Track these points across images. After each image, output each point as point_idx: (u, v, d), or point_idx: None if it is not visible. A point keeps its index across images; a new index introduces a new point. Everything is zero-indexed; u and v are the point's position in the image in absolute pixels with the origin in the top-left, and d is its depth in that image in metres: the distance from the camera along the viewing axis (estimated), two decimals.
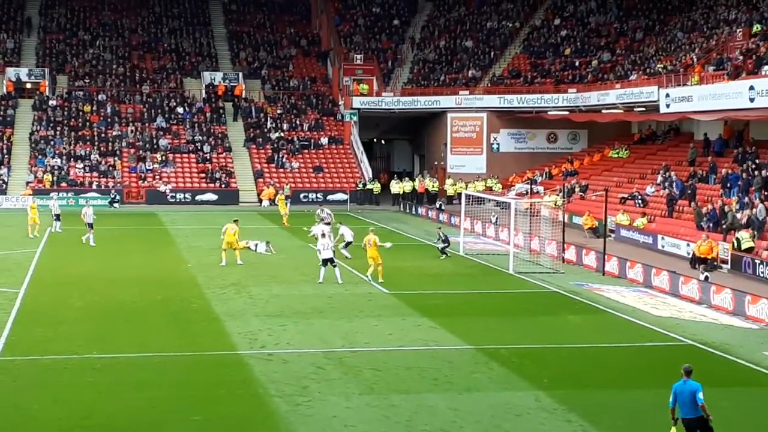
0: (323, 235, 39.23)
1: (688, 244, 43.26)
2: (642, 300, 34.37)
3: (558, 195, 59.24)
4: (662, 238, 46.87)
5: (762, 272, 38.10)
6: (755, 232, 41.35)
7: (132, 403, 21.02)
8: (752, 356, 25.47)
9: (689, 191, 50.19)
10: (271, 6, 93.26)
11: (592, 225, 50.32)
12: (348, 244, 43.10)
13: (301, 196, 70.74)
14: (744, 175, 48.62)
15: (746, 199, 45.22)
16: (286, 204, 58.37)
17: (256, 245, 44.69)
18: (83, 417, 19.94)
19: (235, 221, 42.19)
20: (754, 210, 43.22)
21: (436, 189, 69.16)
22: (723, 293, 32.85)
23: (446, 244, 44.44)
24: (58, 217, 52.42)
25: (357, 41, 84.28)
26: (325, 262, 36.60)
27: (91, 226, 47.55)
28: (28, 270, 39.18)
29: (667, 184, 53.44)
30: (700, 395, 16.79)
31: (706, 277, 36.42)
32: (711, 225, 44.08)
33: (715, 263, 40.32)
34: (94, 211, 49.75)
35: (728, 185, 48.59)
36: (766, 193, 45.09)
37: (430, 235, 52.44)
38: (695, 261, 40.56)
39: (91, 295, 33.61)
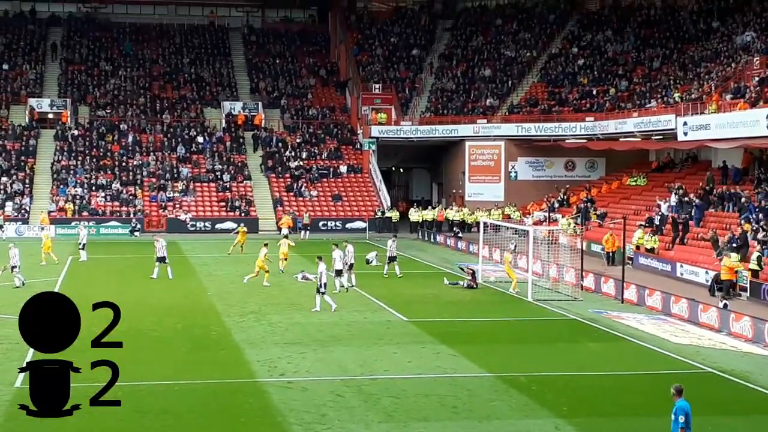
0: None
1: (706, 272, 43.03)
2: (661, 327, 34.16)
3: (572, 219, 59.21)
4: (681, 266, 46.64)
5: None
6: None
7: (153, 431, 20.94)
8: None
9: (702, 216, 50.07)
10: (290, 36, 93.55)
11: (613, 248, 49.92)
12: (351, 266, 42.87)
13: (320, 224, 70.67)
14: (763, 202, 48.44)
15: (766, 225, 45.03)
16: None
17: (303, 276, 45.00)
18: None
19: (265, 245, 42.64)
20: None
21: (461, 218, 68.84)
22: (742, 321, 32.63)
23: (474, 285, 43.78)
24: (83, 247, 52.00)
25: (375, 71, 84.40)
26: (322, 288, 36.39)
27: (163, 259, 46.47)
28: None
29: (681, 209, 53.34)
30: (681, 418, 17.23)
31: (725, 305, 36.15)
32: (736, 250, 43.80)
33: (733, 291, 40.06)
34: (112, 240, 49.64)
35: (746, 213, 48.35)
36: None
37: (446, 262, 52.32)
38: (714, 288, 40.34)
39: (108, 320, 33.56)
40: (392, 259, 47.32)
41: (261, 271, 43.00)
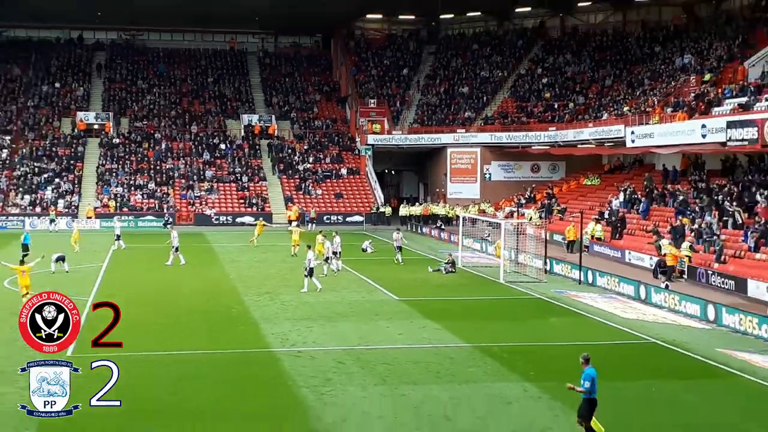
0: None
1: (650, 258, 43.10)
2: (612, 305, 34.21)
3: (536, 211, 59.30)
4: (629, 253, 46.70)
5: (713, 281, 37.93)
6: (702, 244, 41.30)
7: (182, 393, 20.96)
8: (707, 352, 25.38)
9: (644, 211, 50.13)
10: (299, 59, 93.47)
11: (573, 238, 49.94)
12: (334, 253, 42.60)
13: (324, 218, 70.73)
14: (698, 196, 48.56)
15: (699, 219, 45.12)
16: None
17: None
18: (143, 403, 19.88)
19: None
20: (703, 224, 43.22)
21: (445, 213, 68.71)
22: (681, 299, 32.73)
23: (453, 270, 43.87)
24: (119, 237, 51.97)
25: (370, 88, 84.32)
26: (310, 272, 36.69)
27: (177, 249, 46.26)
28: (96, 282, 39.19)
29: (629, 205, 53.49)
30: (586, 383, 17.06)
31: (667, 285, 36.25)
32: (674, 240, 43.89)
33: (674, 274, 40.13)
34: (147, 232, 49.49)
35: (683, 207, 48.45)
36: (716, 212, 44.92)
37: (432, 250, 52.34)
38: (657, 271, 40.41)
39: (147, 303, 33.55)
40: (399, 248, 47.36)
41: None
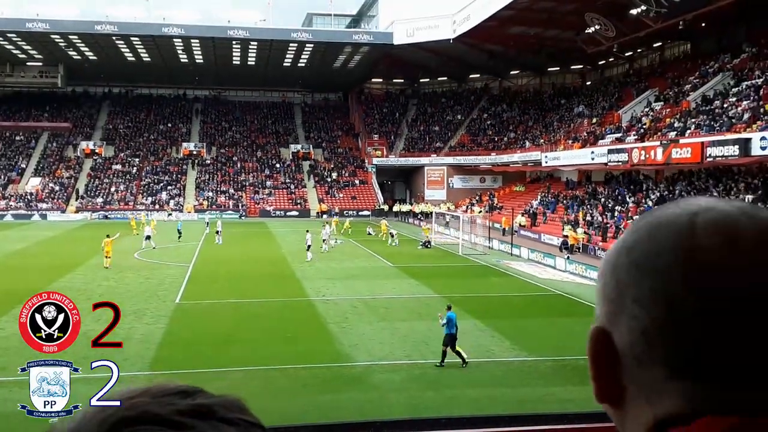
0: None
1: (558, 238, 43.20)
2: (533, 269, 34.33)
3: (483, 208, 59.30)
4: (544, 235, 46.78)
5: (599, 254, 38.03)
6: (590, 230, 41.37)
7: (250, 326, 21.06)
8: (593, 299, 25.38)
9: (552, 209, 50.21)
10: (328, 108, 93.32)
11: (507, 225, 49.94)
12: (324, 240, 41.03)
13: (344, 212, 70.48)
14: (588, 198, 48.58)
15: (591, 211, 45.18)
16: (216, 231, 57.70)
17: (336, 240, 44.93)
18: (224, 334, 19.96)
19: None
20: (595, 217, 43.31)
21: (424, 210, 68.34)
22: (578, 266, 32.82)
23: (428, 245, 43.98)
24: (218, 233, 45.71)
25: (374, 127, 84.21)
26: (309, 247, 36.38)
27: (219, 232, 45.44)
28: (194, 254, 39.29)
29: (543, 204, 53.54)
30: (443, 320, 17.03)
31: (568, 257, 36.32)
32: (573, 227, 44.01)
33: (574, 249, 40.21)
34: (228, 221, 48.93)
35: (577, 205, 48.52)
36: (601, 208, 44.99)
37: (416, 234, 52.51)
38: (562, 247, 40.48)
39: (229, 267, 33.67)
40: (392, 234, 46.89)
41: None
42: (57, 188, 71.84)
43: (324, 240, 40.86)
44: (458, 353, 16.83)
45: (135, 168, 76.71)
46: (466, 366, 16.66)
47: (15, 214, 66.13)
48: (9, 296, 22.41)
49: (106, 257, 32.46)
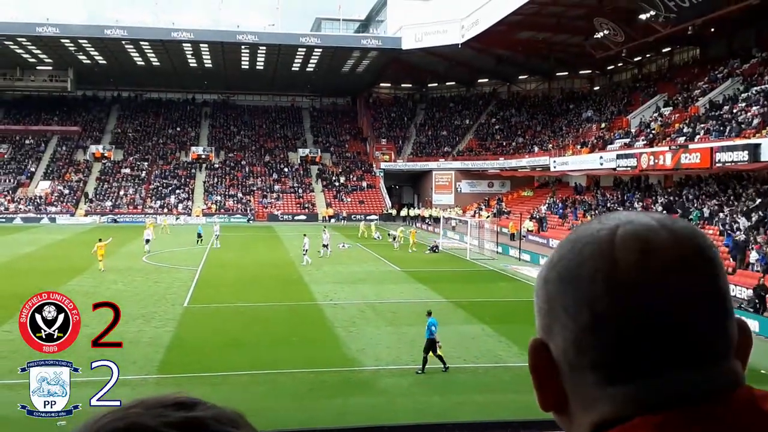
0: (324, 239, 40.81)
1: None
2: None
3: (490, 214, 59.24)
4: (552, 240, 46.65)
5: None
6: None
7: (258, 330, 21.06)
8: None
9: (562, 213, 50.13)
10: (336, 113, 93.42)
11: (515, 230, 49.81)
12: (325, 245, 40.55)
13: (352, 216, 70.65)
14: (597, 204, 48.47)
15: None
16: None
17: (343, 245, 45.05)
18: (231, 338, 19.97)
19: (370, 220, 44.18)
20: None
21: (434, 215, 68.45)
22: None
23: (436, 250, 43.90)
24: (217, 237, 46.73)
25: (382, 132, 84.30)
26: (306, 251, 36.51)
27: (217, 237, 45.76)
28: (202, 258, 39.37)
29: (553, 209, 53.42)
30: (433, 328, 16.92)
31: None
32: None
33: None
34: (236, 225, 49.20)
35: (584, 210, 48.42)
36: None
37: (424, 239, 52.44)
38: None
39: (236, 271, 33.72)
40: (394, 237, 47.02)
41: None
42: (66, 192, 72.15)
43: (324, 245, 40.34)
44: (439, 357, 16.83)
45: (144, 172, 76.96)
46: (445, 371, 16.64)
47: (24, 218, 66.45)
48: (17, 299, 22.46)
49: (101, 261, 32.82)
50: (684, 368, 0.86)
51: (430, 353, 16.79)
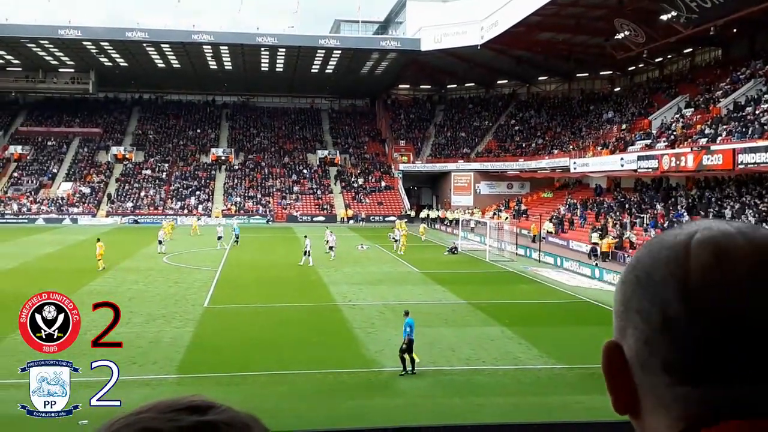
0: (326, 241, 40.80)
1: (586, 245, 42.81)
2: (561, 276, 34.05)
3: (509, 214, 59.03)
4: (572, 242, 46.42)
5: (628, 261, 37.53)
6: (619, 236, 40.92)
7: (277, 331, 21.12)
8: None
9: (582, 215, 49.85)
10: (354, 114, 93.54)
11: (536, 232, 49.59)
12: (331, 247, 40.04)
13: (371, 218, 70.83)
14: (618, 206, 48.14)
15: (619, 219, 44.71)
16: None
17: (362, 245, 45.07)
18: (251, 338, 20.06)
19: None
20: (624, 224, 42.84)
21: (453, 217, 68.20)
22: (607, 272, 32.50)
23: (455, 251, 43.83)
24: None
25: (401, 133, 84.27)
26: (308, 252, 36.62)
27: (220, 238, 46.03)
28: (222, 259, 39.56)
29: (572, 210, 53.12)
30: (408, 329, 16.80)
31: (596, 264, 35.97)
32: (600, 234, 43.56)
33: (602, 256, 39.80)
34: (256, 226, 49.34)
35: (606, 212, 48.08)
36: (630, 217, 44.54)
37: (442, 241, 52.35)
38: (591, 254, 40.12)
39: (256, 272, 33.86)
40: (395, 239, 46.38)
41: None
42: (88, 192, 72.84)
43: (331, 247, 39.81)
44: (411, 360, 16.70)
45: (164, 173, 77.52)
46: (413, 374, 16.52)
47: (46, 218, 67.16)
48: None
49: (99, 260, 33.34)
50: (758, 375, 0.86)
51: (406, 354, 16.70)
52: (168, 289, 28.47)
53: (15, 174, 74.52)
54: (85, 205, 71.02)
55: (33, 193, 71.86)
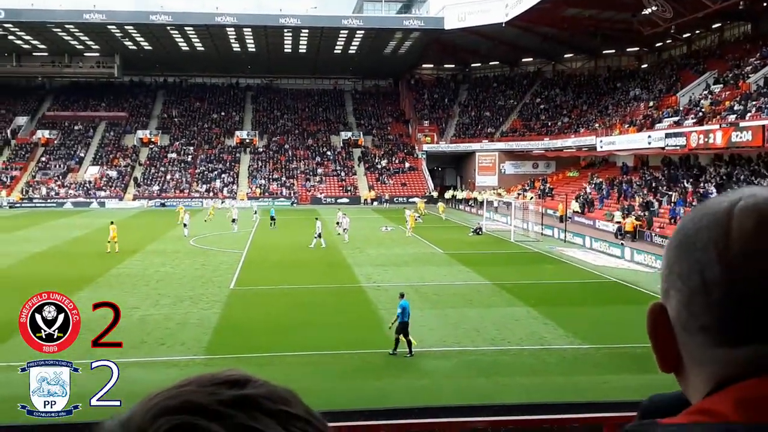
0: (338, 223, 40.80)
1: (613, 225, 42.45)
2: (587, 256, 33.83)
3: (534, 195, 58.66)
4: (598, 221, 46.07)
5: (655, 240, 37.27)
6: (646, 216, 40.51)
7: (303, 312, 21.26)
8: (651, 287, 24.89)
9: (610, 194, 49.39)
10: (378, 95, 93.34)
11: (562, 212, 49.23)
12: (345, 229, 39.59)
13: (395, 199, 70.80)
14: (644, 186, 47.64)
15: (647, 198, 44.26)
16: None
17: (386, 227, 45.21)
18: (278, 319, 20.20)
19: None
20: (651, 203, 42.42)
21: (479, 198, 67.86)
22: (634, 252, 32.24)
23: (479, 232, 43.68)
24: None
25: (425, 113, 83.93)
26: (319, 235, 36.41)
27: (235, 221, 45.94)
28: (247, 241, 39.82)
29: (598, 190, 52.67)
30: (399, 311, 16.83)
31: (622, 243, 35.68)
32: (626, 213, 43.19)
33: (628, 235, 39.47)
34: (280, 208, 49.23)
35: (632, 191, 47.61)
36: (655, 195, 44.08)
37: (466, 221, 52.20)
38: (618, 234, 39.80)
39: (281, 253, 34.04)
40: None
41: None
42: (114, 176, 73.60)
43: (345, 230, 39.54)
44: (408, 342, 16.65)
45: (190, 156, 78.06)
46: (410, 356, 16.49)
47: (74, 202, 68.04)
48: (70, 283, 23.10)
49: (109, 242, 33.55)
50: None
51: (402, 336, 16.68)
52: (195, 271, 28.75)
53: (43, 158, 75.48)
54: (112, 188, 71.80)
55: (61, 177, 72.76)
